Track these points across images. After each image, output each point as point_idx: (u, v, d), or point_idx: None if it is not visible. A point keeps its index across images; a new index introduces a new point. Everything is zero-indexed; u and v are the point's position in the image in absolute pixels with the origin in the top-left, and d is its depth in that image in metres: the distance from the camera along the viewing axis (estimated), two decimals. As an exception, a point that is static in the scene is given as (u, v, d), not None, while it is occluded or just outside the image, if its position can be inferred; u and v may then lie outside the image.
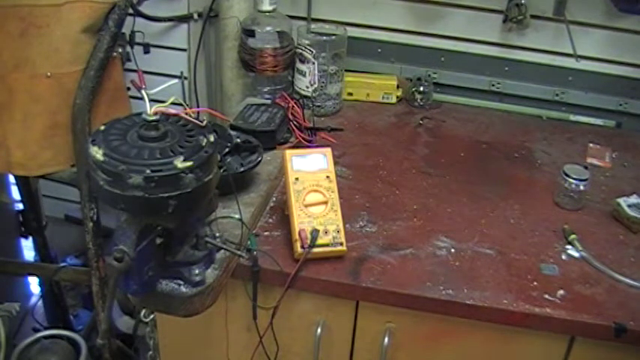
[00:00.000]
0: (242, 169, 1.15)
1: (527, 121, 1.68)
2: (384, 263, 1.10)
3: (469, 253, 1.15)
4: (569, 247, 1.17)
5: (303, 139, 1.39)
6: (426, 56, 1.71)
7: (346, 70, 1.65)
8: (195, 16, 1.73)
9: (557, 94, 1.68)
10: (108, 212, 1.33)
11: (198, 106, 1.81)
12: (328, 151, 1.13)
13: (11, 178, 1.86)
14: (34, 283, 2.10)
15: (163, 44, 1.77)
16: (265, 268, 1.06)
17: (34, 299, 2.01)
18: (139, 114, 0.86)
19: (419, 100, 1.71)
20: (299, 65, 1.57)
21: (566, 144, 1.57)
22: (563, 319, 1.01)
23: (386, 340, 1.11)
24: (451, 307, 1.04)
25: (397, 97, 1.72)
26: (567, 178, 1.27)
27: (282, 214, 1.19)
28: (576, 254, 1.15)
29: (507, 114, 1.72)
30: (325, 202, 1.09)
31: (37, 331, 1.74)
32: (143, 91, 0.87)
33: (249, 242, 1.07)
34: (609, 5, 1.49)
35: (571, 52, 1.56)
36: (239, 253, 1.00)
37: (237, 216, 1.05)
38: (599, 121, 1.68)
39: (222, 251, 0.99)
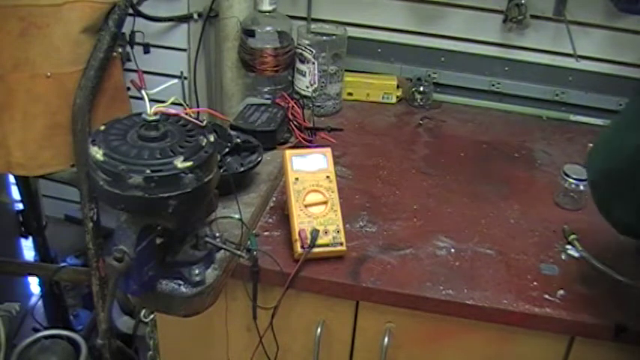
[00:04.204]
0: (242, 169, 1.15)
1: (527, 121, 1.68)
2: (384, 263, 1.10)
3: (469, 253, 1.15)
4: (569, 247, 1.17)
5: (303, 139, 1.38)
6: (426, 56, 1.71)
7: (346, 70, 1.65)
8: (195, 16, 1.72)
9: (557, 94, 1.67)
10: (108, 212, 1.33)
11: (198, 106, 1.81)
12: (328, 151, 1.13)
13: (11, 178, 1.86)
14: (34, 283, 2.10)
15: (163, 44, 1.77)
16: (265, 268, 1.06)
17: (34, 299, 2.01)
18: (139, 114, 0.86)
19: (419, 100, 1.71)
20: (299, 65, 1.57)
21: (566, 144, 1.57)
22: (563, 319, 1.01)
23: (386, 340, 1.11)
24: (451, 307, 1.04)
25: (397, 97, 1.72)
26: (567, 178, 1.27)
27: (282, 214, 1.19)
28: (576, 254, 1.15)
29: (507, 114, 1.71)
30: (325, 202, 1.09)
31: (37, 331, 1.73)
32: (143, 91, 0.87)
33: (249, 242, 1.07)
34: (609, 5, 1.48)
35: (571, 52, 1.56)
36: (239, 253, 0.99)
37: (237, 216, 1.05)
38: (599, 121, 1.68)
39: (222, 251, 0.99)
